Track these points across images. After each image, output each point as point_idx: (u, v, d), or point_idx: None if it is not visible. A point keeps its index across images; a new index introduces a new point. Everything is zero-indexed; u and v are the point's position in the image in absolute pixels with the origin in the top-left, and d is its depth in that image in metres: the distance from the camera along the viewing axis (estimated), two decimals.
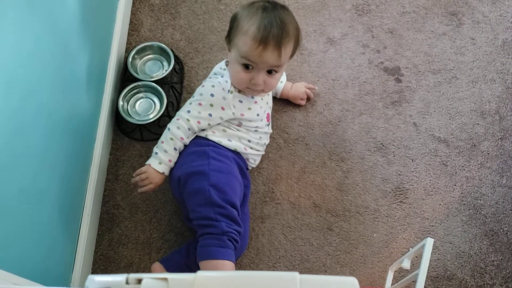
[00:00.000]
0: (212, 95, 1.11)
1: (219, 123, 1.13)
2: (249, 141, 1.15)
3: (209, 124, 1.11)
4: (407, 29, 1.50)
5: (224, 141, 1.12)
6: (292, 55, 1.10)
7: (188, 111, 1.10)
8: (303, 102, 1.36)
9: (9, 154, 0.78)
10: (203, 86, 1.14)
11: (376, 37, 1.48)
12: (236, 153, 1.14)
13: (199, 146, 1.11)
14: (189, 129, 1.10)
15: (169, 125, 1.11)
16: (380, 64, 1.44)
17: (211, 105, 1.10)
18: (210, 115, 1.10)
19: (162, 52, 1.38)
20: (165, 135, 1.11)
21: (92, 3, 1.15)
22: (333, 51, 1.45)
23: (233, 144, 1.13)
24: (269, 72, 1.07)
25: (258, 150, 1.18)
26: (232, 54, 1.09)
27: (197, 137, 1.13)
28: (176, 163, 1.11)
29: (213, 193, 1.03)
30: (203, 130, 1.12)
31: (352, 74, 1.43)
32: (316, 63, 1.44)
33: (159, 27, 1.46)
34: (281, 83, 1.33)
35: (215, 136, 1.12)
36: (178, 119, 1.10)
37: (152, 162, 1.10)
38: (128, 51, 1.41)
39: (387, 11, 1.52)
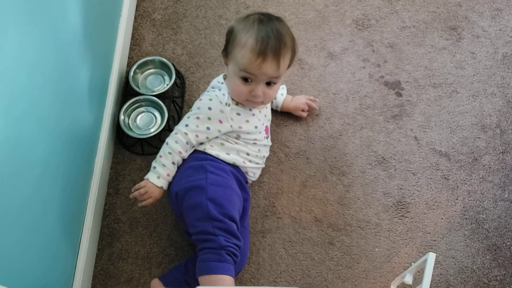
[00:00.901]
0: (209, 108, 1.11)
1: (217, 136, 1.13)
2: (248, 154, 1.15)
3: (207, 138, 1.11)
4: (407, 43, 1.50)
5: (222, 155, 1.12)
6: (289, 66, 1.11)
7: (186, 125, 1.11)
8: (304, 114, 1.36)
9: (11, 168, 0.78)
10: (200, 100, 1.14)
11: (377, 52, 1.48)
12: (234, 166, 1.14)
13: (197, 161, 1.11)
14: (187, 143, 1.10)
15: (167, 140, 1.11)
16: (380, 78, 1.45)
17: (209, 118, 1.11)
18: (208, 128, 1.10)
19: (164, 66, 1.39)
20: (164, 149, 1.11)
21: (94, 18, 1.16)
22: (333, 66, 1.46)
23: (231, 158, 1.13)
24: (268, 84, 1.08)
25: (257, 163, 1.18)
26: (230, 67, 1.09)
27: (195, 151, 1.13)
28: (174, 177, 1.11)
29: (211, 207, 1.03)
30: (201, 143, 1.13)
31: (353, 88, 1.43)
32: (316, 77, 1.44)
33: (160, 41, 1.47)
34: (282, 96, 1.34)
35: (213, 149, 1.12)
36: (176, 133, 1.11)
37: (151, 176, 1.10)
38: (129, 65, 1.42)
39: (387, 26, 1.53)
